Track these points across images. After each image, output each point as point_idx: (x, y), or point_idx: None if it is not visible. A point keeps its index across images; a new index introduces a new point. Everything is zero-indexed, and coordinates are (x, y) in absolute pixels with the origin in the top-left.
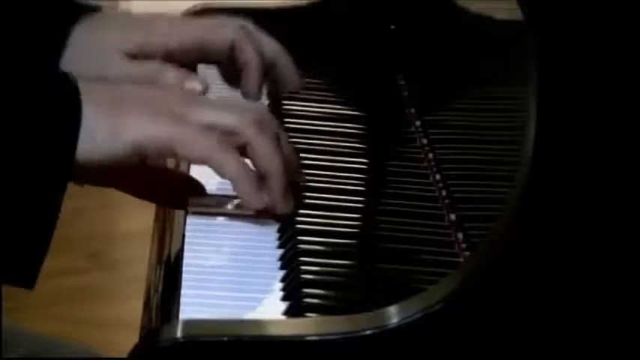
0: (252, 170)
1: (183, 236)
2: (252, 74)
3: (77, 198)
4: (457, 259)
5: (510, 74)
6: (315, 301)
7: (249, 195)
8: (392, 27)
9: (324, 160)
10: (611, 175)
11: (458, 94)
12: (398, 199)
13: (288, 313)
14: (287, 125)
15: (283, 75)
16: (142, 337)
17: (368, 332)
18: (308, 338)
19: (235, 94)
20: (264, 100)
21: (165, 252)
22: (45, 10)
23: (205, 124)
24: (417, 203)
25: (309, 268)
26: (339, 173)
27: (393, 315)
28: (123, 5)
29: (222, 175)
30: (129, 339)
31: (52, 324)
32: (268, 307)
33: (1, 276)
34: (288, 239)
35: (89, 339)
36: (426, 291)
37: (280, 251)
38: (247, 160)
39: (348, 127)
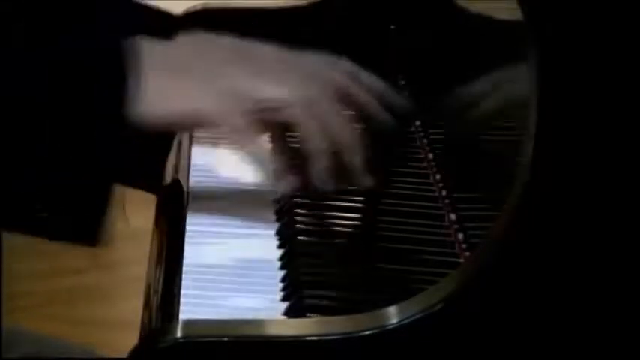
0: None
1: (183, 236)
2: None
3: None
4: (457, 259)
5: (510, 74)
6: (315, 301)
7: (266, 177)
8: (392, 27)
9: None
10: (611, 175)
11: (458, 94)
12: (398, 199)
13: (288, 313)
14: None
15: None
16: (142, 337)
17: (368, 332)
18: (308, 338)
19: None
20: None
21: (165, 252)
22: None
23: (259, 98)
24: (417, 203)
25: (309, 269)
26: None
27: (393, 315)
28: None
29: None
30: (129, 339)
31: (52, 324)
32: (268, 307)
33: (67, 235)
34: (288, 239)
35: (89, 339)
36: (426, 291)
37: (280, 251)
38: None
39: None
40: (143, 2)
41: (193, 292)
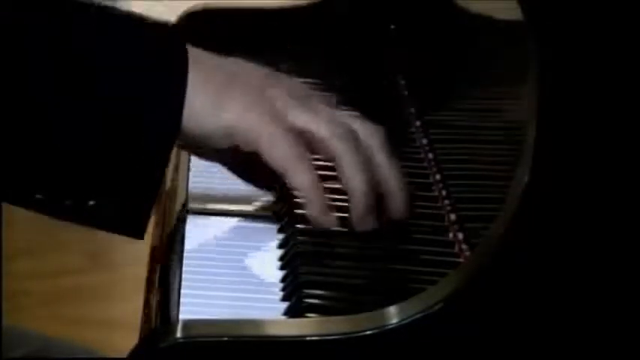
0: (323, 188)
1: (183, 236)
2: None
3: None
4: (457, 259)
5: (510, 74)
6: (315, 301)
7: (315, 213)
8: (392, 27)
9: (324, 159)
10: (611, 175)
11: (458, 94)
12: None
13: (288, 313)
14: None
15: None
16: (141, 337)
17: (368, 332)
18: (308, 338)
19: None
20: None
21: (165, 252)
22: None
23: (299, 127)
24: (417, 203)
25: (309, 268)
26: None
27: (393, 315)
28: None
29: (292, 185)
30: (129, 339)
31: (52, 324)
32: (268, 307)
33: (116, 228)
34: (288, 239)
35: (89, 339)
36: (426, 291)
37: (280, 251)
38: None
39: None
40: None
41: (193, 292)
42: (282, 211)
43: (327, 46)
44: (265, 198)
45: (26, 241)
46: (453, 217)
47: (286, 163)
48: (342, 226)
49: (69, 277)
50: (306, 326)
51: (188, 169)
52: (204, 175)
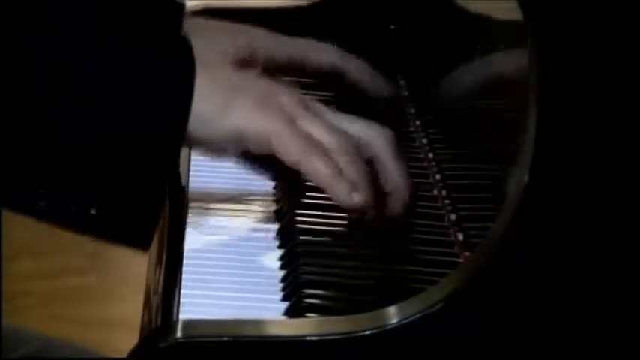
0: (341, 173)
1: (184, 236)
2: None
3: None
4: (457, 259)
5: (510, 74)
6: (315, 301)
7: (343, 198)
8: (392, 27)
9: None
10: (611, 174)
11: (458, 94)
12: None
13: (288, 313)
14: None
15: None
16: (142, 337)
17: (368, 332)
18: (308, 338)
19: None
20: None
21: (165, 252)
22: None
23: (308, 131)
24: (417, 203)
25: (309, 268)
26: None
27: (393, 315)
28: None
29: (313, 181)
30: (129, 339)
31: (52, 324)
32: (268, 307)
33: (119, 238)
34: (288, 239)
35: (89, 339)
36: (425, 291)
37: (280, 251)
38: None
39: None
40: None
41: (193, 292)
42: (282, 211)
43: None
44: (265, 198)
45: (26, 241)
46: (453, 217)
47: (301, 155)
48: (342, 225)
49: (69, 277)
50: (306, 326)
51: (188, 169)
52: (204, 175)
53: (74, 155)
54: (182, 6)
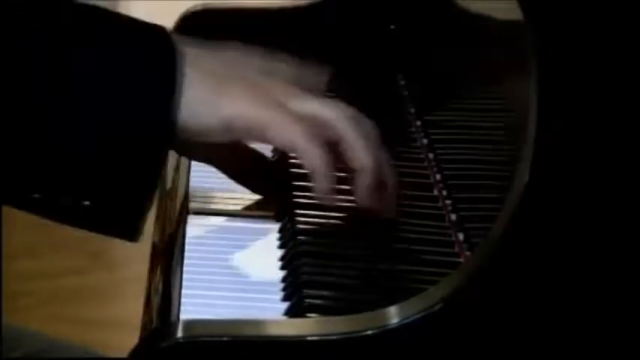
0: (333, 168)
1: (184, 236)
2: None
3: None
4: (457, 259)
5: (510, 74)
6: (316, 301)
7: (322, 192)
8: (392, 27)
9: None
10: (611, 174)
11: (458, 94)
12: (398, 199)
13: (288, 313)
14: None
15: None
16: (142, 337)
17: (368, 332)
18: (308, 338)
19: None
20: None
21: (165, 252)
22: None
23: (302, 113)
24: (417, 203)
25: (309, 269)
26: (339, 173)
27: (393, 315)
28: (123, 5)
29: (304, 164)
30: (129, 339)
31: (52, 324)
32: (268, 307)
33: (109, 230)
34: (288, 239)
35: (89, 339)
36: (426, 291)
37: (280, 251)
38: None
39: None
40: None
41: (193, 292)
42: (282, 211)
43: (327, 46)
44: (265, 198)
45: (26, 241)
46: (453, 217)
47: (296, 142)
48: (342, 225)
49: (69, 277)
50: (306, 326)
51: (188, 169)
52: (204, 175)
53: (70, 152)
54: None
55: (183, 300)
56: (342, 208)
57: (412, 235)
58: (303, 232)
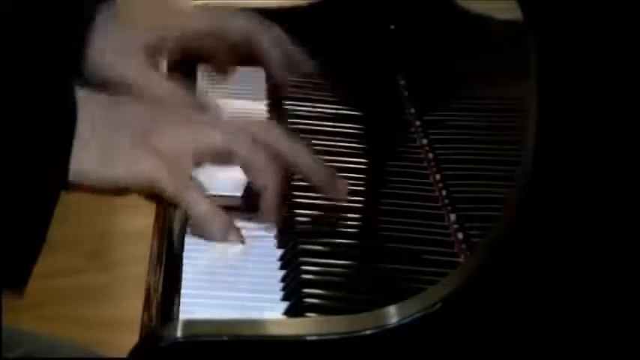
0: (219, 208)
1: (183, 236)
2: (274, 62)
3: (77, 198)
4: (457, 259)
5: (510, 74)
6: (315, 301)
7: (214, 235)
8: (392, 27)
9: (324, 160)
10: (611, 175)
11: (458, 94)
12: (398, 199)
13: (288, 313)
14: (288, 126)
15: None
16: (142, 337)
17: (368, 332)
18: (308, 338)
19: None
20: (264, 101)
21: (165, 252)
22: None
23: (200, 149)
24: (417, 203)
25: (309, 268)
26: (339, 173)
27: (393, 315)
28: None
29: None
30: (129, 339)
31: (52, 324)
32: (268, 307)
33: None
34: (288, 239)
35: (89, 339)
36: (425, 291)
37: (280, 251)
38: None
39: (348, 127)
40: None
41: (193, 292)
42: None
43: (327, 46)
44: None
45: None
46: (452, 217)
47: (179, 197)
48: (342, 225)
49: (69, 277)
50: (306, 326)
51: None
52: (204, 176)
53: None
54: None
55: (183, 300)
56: (342, 208)
57: (412, 235)
58: (303, 232)
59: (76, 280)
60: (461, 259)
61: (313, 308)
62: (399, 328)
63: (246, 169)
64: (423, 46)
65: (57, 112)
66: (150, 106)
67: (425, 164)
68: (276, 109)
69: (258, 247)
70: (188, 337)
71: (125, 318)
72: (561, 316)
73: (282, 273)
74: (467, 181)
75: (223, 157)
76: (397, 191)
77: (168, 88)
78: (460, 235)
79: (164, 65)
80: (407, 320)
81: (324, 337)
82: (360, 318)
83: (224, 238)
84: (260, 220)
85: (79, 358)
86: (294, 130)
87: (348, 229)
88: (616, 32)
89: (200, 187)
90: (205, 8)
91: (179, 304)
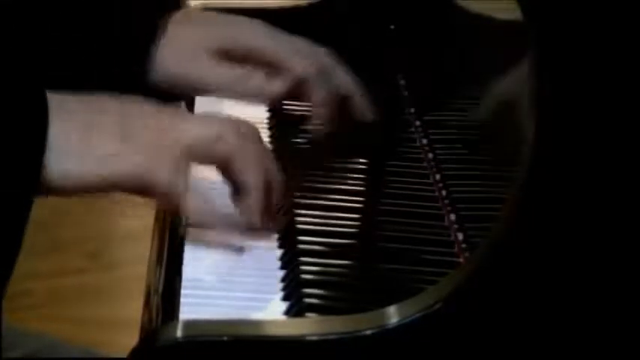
0: (214, 208)
1: (183, 236)
2: (317, 115)
3: (76, 198)
4: (457, 259)
5: (510, 74)
6: (315, 301)
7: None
8: (392, 27)
9: (324, 160)
10: (611, 174)
11: (458, 94)
12: (398, 199)
13: (288, 313)
14: (288, 125)
15: (356, 109)
16: (142, 337)
17: (368, 332)
18: (308, 338)
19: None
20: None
21: (165, 252)
22: (135, 7)
23: (185, 143)
24: (417, 203)
25: (309, 268)
26: (339, 173)
27: (393, 315)
28: None
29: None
30: (129, 339)
31: (52, 324)
32: (268, 307)
33: None
34: (288, 239)
35: (89, 339)
36: (425, 291)
37: (280, 251)
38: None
39: None
40: None
41: (193, 292)
42: (282, 210)
43: (327, 46)
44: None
45: (26, 241)
46: (452, 217)
47: (168, 193)
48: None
49: (69, 277)
50: (306, 326)
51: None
52: (204, 175)
53: None
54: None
55: (183, 300)
56: (342, 208)
57: (412, 235)
58: (303, 232)
59: (76, 281)
60: (461, 259)
61: (313, 308)
62: (399, 328)
63: (230, 166)
64: (423, 46)
65: (28, 115)
66: (130, 102)
67: (425, 164)
68: (277, 110)
69: (258, 247)
70: (188, 338)
71: (125, 318)
72: (561, 315)
73: (282, 273)
74: (467, 181)
75: (209, 153)
76: (397, 191)
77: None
78: (460, 235)
79: None
80: (407, 320)
81: (324, 337)
82: (360, 318)
83: (220, 238)
84: (245, 221)
85: (80, 358)
86: (295, 130)
87: (348, 229)
88: (616, 32)
89: (190, 185)
90: (205, 8)
91: (179, 304)
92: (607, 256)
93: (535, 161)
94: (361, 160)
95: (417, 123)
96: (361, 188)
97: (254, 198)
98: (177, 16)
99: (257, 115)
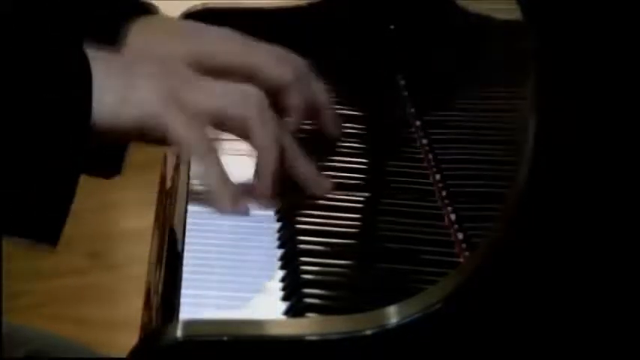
0: (227, 174)
1: (184, 236)
2: (295, 120)
3: (76, 198)
4: (457, 259)
5: (510, 74)
6: (315, 301)
7: (219, 197)
8: (392, 27)
9: (324, 160)
10: (611, 174)
11: (458, 94)
12: (398, 199)
13: (288, 313)
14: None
15: (324, 125)
16: (142, 337)
17: (368, 332)
18: (308, 338)
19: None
20: None
21: (165, 252)
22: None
23: (202, 109)
24: (416, 203)
25: (309, 268)
26: (339, 173)
27: (393, 315)
28: None
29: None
30: (129, 339)
31: (52, 324)
32: (268, 307)
33: (27, 234)
34: (288, 239)
35: (89, 339)
36: (425, 291)
37: (280, 251)
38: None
39: (348, 127)
40: None
41: (193, 292)
42: (282, 210)
43: (327, 46)
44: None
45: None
46: (452, 217)
47: (194, 150)
48: (342, 225)
49: (69, 277)
50: (306, 326)
51: (188, 169)
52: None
53: None
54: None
55: (183, 300)
56: (342, 208)
57: (412, 235)
58: (303, 232)
59: (76, 281)
60: (461, 259)
61: (313, 308)
62: (399, 328)
63: (249, 132)
64: (423, 46)
65: (72, 63)
66: (168, 64)
67: (425, 164)
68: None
69: (259, 247)
70: (188, 337)
71: (125, 318)
72: (561, 315)
73: (282, 273)
74: (467, 181)
75: (234, 123)
76: (397, 191)
77: None
78: (460, 235)
79: None
80: (407, 320)
81: (324, 337)
82: (360, 318)
83: (230, 209)
84: (255, 197)
85: (80, 358)
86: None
87: (348, 229)
88: (616, 32)
89: (217, 150)
90: (205, 8)
91: (179, 304)
92: (607, 255)
93: (535, 161)
94: (361, 160)
95: (417, 123)
96: (361, 188)
97: (266, 160)
98: (143, 23)
99: None
